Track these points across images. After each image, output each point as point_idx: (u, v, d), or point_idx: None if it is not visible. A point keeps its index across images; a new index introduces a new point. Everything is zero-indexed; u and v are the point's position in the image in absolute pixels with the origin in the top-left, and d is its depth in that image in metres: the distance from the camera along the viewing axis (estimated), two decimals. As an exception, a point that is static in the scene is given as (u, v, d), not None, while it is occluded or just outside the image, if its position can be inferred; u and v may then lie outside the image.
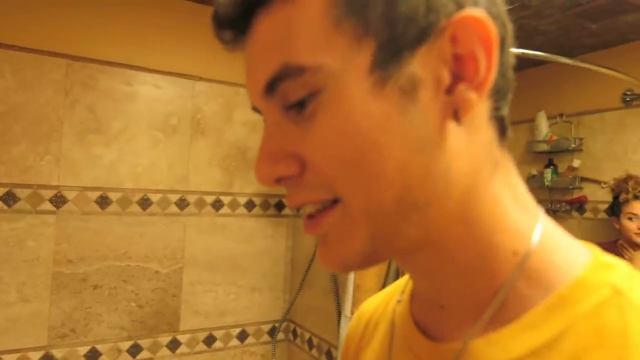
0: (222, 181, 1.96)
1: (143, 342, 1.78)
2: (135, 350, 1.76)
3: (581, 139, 2.19)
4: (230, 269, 1.96)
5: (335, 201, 0.30)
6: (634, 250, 1.82)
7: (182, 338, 1.86)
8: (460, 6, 0.28)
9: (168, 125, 1.85)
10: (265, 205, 2.05)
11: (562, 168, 2.26)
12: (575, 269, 0.30)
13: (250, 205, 2.02)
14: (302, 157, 0.30)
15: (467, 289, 0.32)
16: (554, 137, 2.23)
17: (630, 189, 1.84)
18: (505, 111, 0.32)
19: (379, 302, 0.47)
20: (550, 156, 2.29)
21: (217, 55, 1.91)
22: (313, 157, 0.29)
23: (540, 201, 1.95)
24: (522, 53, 1.74)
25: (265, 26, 0.29)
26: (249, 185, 2.01)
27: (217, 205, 1.94)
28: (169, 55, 1.84)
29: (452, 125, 0.29)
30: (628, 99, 2.02)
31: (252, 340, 2.02)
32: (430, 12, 0.27)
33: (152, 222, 1.81)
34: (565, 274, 0.30)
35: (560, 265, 0.31)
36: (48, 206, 1.64)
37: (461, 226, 0.31)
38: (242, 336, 1.99)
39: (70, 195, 1.68)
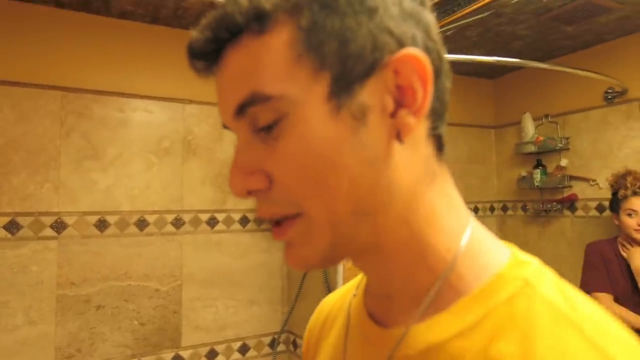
0: (216, 199, 2.02)
1: (147, 359, 1.84)
2: (139, 367, 1.82)
3: (567, 139, 2.22)
4: (228, 284, 2.01)
5: (296, 215, 0.35)
6: (633, 246, 1.79)
7: (184, 354, 1.92)
8: (401, 44, 0.33)
9: (161, 148, 1.92)
10: (259, 221, 2.11)
11: (550, 168, 2.29)
12: (496, 266, 0.36)
13: (244, 221, 2.08)
14: (269, 173, 0.34)
15: (409, 281, 0.38)
16: (541, 138, 2.26)
17: (629, 185, 1.80)
18: (442, 130, 0.37)
19: (337, 298, 0.52)
20: (539, 157, 2.32)
21: (205, 78, 1.98)
22: (279, 174, 0.34)
23: (532, 202, 2.00)
24: (497, 61, 1.79)
25: (234, 58, 0.34)
26: (242, 202, 2.07)
27: (212, 222, 2.01)
28: (158, 81, 1.92)
29: (395, 145, 0.34)
30: (610, 97, 2.05)
31: (253, 352, 2.07)
32: (376, 50, 0.33)
33: (149, 242, 1.87)
34: (488, 270, 0.36)
35: (484, 262, 0.36)
36: (49, 232, 1.72)
37: (404, 229, 0.36)
38: (244, 349, 2.04)
39: (70, 220, 1.75)
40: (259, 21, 0.33)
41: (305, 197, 0.34)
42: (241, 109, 0.34)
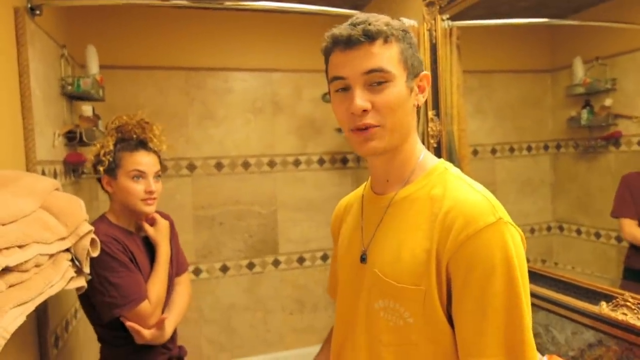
0: (299, 145, 2.61)
1: (255, 261, 2.57)
2: (250, 265, 2.57)
3: (614, 79, 2.36)
4: (310, 209, 2.64)
5: (378, 126, 0.74)
6: None
7: (281, 258, 2.62)
8: (423, 68, 0.80)
9: (255, 108, 2.53)
10: (332, 161, 2.67)
11: (597, 108, 2.46)
12: (433, 163, 0.81)
13: (321, 161, 2.65)
14: (373, 103, 0.73)
15: (400, 173, 0.81)
16: (588, 80, 2.42)
17: None
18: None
19: (349, 197, 0.99)
20: (588, 97, 2.48)
21: (285, 51, 2.51)
22: (378, 105, 0.73)
23: (581, 139, 2.40)
24: (528, 22, 2.01)
25: (369, 49, 0.73)
26: (318, 147, 2.64)
27: (297, 163, 2.61)
28: (250, 56, 2.49)
29: (414, 108, 0.79)
30: (653, 39, 2.14)
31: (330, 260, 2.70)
32: (420, 69, 0.79)
33: (252, 178, 2.54)
34: (430, 165, 0.81)
35: (429, 162, 0.81)
36: (185, 172, 2.46)
37: (408, 147, 0.80)
38: (324, 258, 2.69)
39: (197, 163, 2.47)
40: (387, 39, 0.74)
41: (386, 117, 0.74)
42: (370, 71, 0.73)
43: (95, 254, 1.21)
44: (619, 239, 2.06)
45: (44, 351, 1.41)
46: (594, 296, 1.34)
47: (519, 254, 0.70)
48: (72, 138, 1.85)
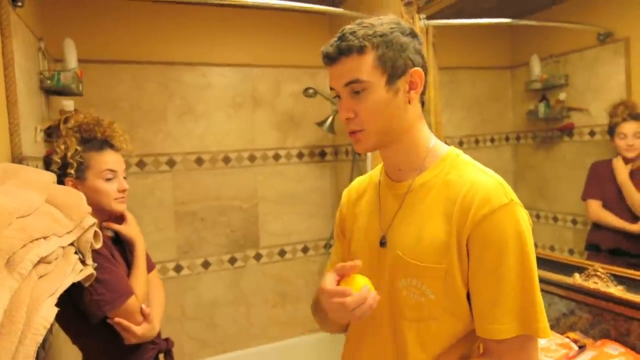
0: (278, 139, 2.65)
1: (237, 255, 2.59)
2: (232, 260, 2.58)
3: (567, 76, 2.59)
4: (292, 202, 2.69)
5: (362, 130, 0.81)
6: (626, 164, 2.19)
7: (262, 252, 2.65)
8: (413, 65, 0.81)
9: (235, 103, 2.54)
10: (311, 155, 2.73)
11: (553, 102, 2.68)
12: (445, 150, 0.87)
13: (300, 155, 2.71)
14: (355, 111, 0.80)
15: (410, 162, 0.86)
16: (544, 76, 2.64)
17: (619, 113, 2.20)
18: (424, 98, 0.86)
19: (360, 182, 1.02)
20: (544, 92, 2.71)
21: (264, 47, 2.54)
22: (359, 112, 0.80)
23: (539, 131, 2.58)
24: (489, 23, 2.18)
25: (346, 62, 0.79)
26: (298, 140, 2.69)
27: (277, 157, 2.65)
28: (230, 51, 2.51)
29: (407, 104, 0.82)
30: (602, 38, 2.38)
31: (312, 253, 2.77)
32: (405, 67, 0.80)
33: (233, 172, 2.56)
34: (442, 152, 0.86)
35: (440, 150, 0.87)
36: (165, 167, 2.43)
37: (409, 137, 0.84)
38: (305, 249, 2.75)
39: (177, 158, 2.45)
40: (361, 50, 0.78)
41: (367, 122, 0.80)
42: (348, 83, 0.79)
43: (98, 246, 1.21)
44: (574, 221, 2.26)
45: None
46: (566, 269, 1.49)
47: (529, 232, 0.77)
48: (50, 134, 1.80)
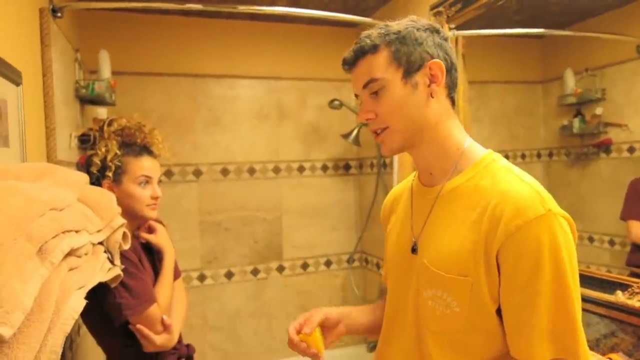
0: (303, 151, 2.65)
1: (260, 267, 2.58)
2: (255, 271, 2.57)
3: (603, 89, 2.51)
4: (315, 215, 2.67)
5: (385, 128, 0.79)
6: None
7: (285, 264, 2.63)
8: (432, 57, 0.77)
9: (261, 115, 2.57)
10: (336, 168, 2.72)
11: (588, 117, 2.60)
12: (481, 153, 0.80)
13: (325, 168, 2.70)
14: (376, 112, 0.79)
15: (441, 164, 0.81)
16: (579, 90, 2.57)
17: None
18: (454, 95, 0.82)
19: (398, 188, 1.01)
20: (579, 107, 2.63)
21: (291, 60, 2.57)
22: (379, 111, 0.78)
23: (573, 147, 2.51)
24: (521, 33, 2.14)
25: (363, 64, 0.78)
26: (322, 153, 2.69)
27: (301, 169, 2.65)
28: (257, 64, 2.54)
29: (430, 99, 0.78)
30: None
31: (334, 266, 2.73)
32: (422, 60, 0.77)
33: (257, 184, 2.56)
34: (477, 155, 0.80)
35: (476, 152, 0.80)
36: (191, 177, 2.46)
37: (436, 137, 0.79)
38: (328, 263, 2.72)
39: (203, 169, 2.48)
40: (374, 49, 0.77)
41: (389, 120, 0.78)
42: (366, 84, 0.79)
43: (126, 246, 1.22)
44: (611, 242, 2.15)
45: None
46: (607, 286, 1.41)
47: (568, 246, 0.69)
48: (85, 141, 1.85)
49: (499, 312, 0.73)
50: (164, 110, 2.40)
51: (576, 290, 0.69)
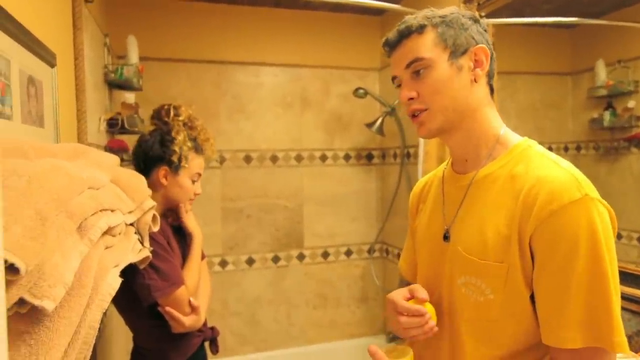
0: (326, 140, 2.64)
1: (280, 254, 2.59)
2: (275, 259, 2.59)
3: (637, 82, 2.42)
4: (336, 204, 2.67)
5: (425, 110, 0.79)
6: None
7: (306, 252, 2.64)
8: (477, 43, 0.78)
9: (285, 103, 2.57)
10: (358, 157, 2.70)
11: (620, 110, 2.52)
12: (516, 141, 0.80)
13: (347, 157, 2.69)
14: (417, 91, 0.78)
15: (477, 151, 0.81)
16: (611, 82, 2.48)
17: None
18: (492, 82, 0.82)
19: (427, 178, 0.99)
20: (610, 99, 2.55)
21: (315, 48, 2.55)
22: (421, 91, 0.78)
23: (602, 141, 2.45)
24: (555, 21, 2.08)
25: (407, 43, 0.78)
26: (345, 142, 2.67)
27: (323, 158, 2.64)
28: (281, 52, 2.54)
29: (473, 83, 0.78)
30: (678, 42, 2.21)
31: (355, 256, 2.73)
32: (468, 44, 0.78)
33: (279, 172, 2.57)
34: (513, 141, 0.80)
35: (511, 139, 0.80)
36: (215, 164, 2.48)
37: (474, 122, 0.79)
38: (348, 253, 2.72)
39: (227, 155, 2.50)
40: (421, 29, 0.78)
41: (431, 100, 0.78)
42: (409, 64, 0.78)
43: (156, 228, 1.24)
44: (640, 239, 2.08)
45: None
46: (638, 281, 1.37)
47: (606, 231, 0.68)
48: (113, 124, 1.88)
49: (532, 299, 0.72)
50: (189, 97, 2.41)
51: (614, 278, 0.67)
